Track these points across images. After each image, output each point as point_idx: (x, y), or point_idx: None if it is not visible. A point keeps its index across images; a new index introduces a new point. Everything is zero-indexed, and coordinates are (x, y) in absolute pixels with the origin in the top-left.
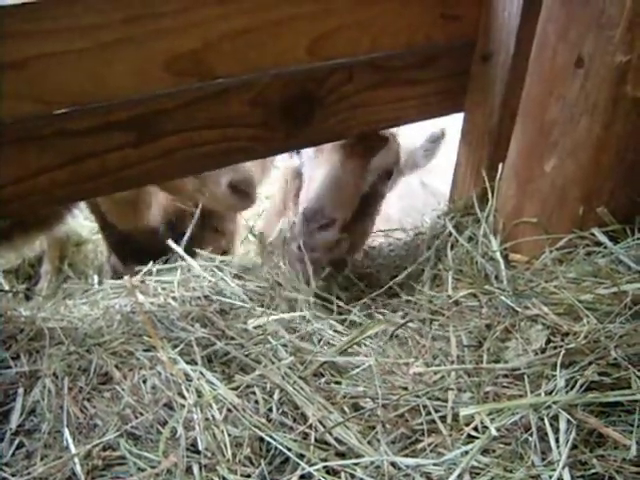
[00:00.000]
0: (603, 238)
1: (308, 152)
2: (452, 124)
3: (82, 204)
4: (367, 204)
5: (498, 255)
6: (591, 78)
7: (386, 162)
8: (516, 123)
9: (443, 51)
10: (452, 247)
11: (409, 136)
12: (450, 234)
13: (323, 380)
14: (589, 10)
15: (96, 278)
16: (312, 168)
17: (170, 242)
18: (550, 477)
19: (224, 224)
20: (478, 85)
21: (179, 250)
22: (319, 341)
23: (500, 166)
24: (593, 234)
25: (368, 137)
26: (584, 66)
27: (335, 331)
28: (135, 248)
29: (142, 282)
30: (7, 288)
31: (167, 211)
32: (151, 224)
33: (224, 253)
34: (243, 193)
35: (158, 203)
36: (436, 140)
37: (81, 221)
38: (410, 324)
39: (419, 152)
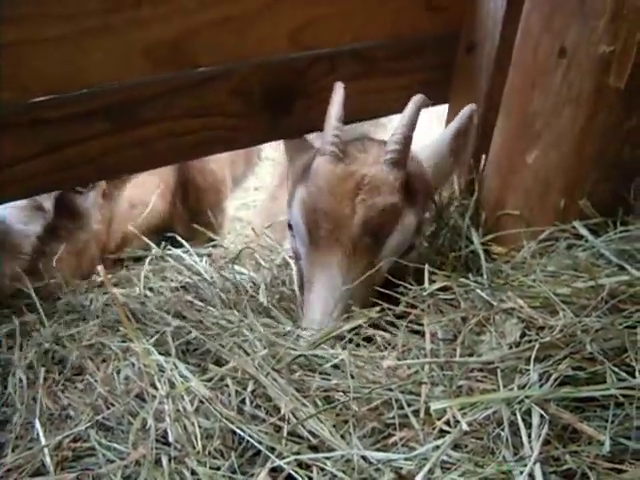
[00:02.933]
0: (584, 231)
1: (302, 238)
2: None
3: None
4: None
5: (479, 248)
6: (574, 68)
7: (403, 239)
8: (499, 114)
9: (428, 42)
10: (435, 239)
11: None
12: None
13: (297, 375)
14: (573, 0)
15: None
16: (309, 269)
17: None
18: (521, 473)
19: (213, 215)
20: (463, 76)
21: (145, 239)
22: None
23: (483, 158)
24: (575, 227)
25: (371, 226)
26: (567, 56)
27: None
28: None
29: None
30: None
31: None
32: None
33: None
34: None
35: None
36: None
37: None
38: (386, 317)
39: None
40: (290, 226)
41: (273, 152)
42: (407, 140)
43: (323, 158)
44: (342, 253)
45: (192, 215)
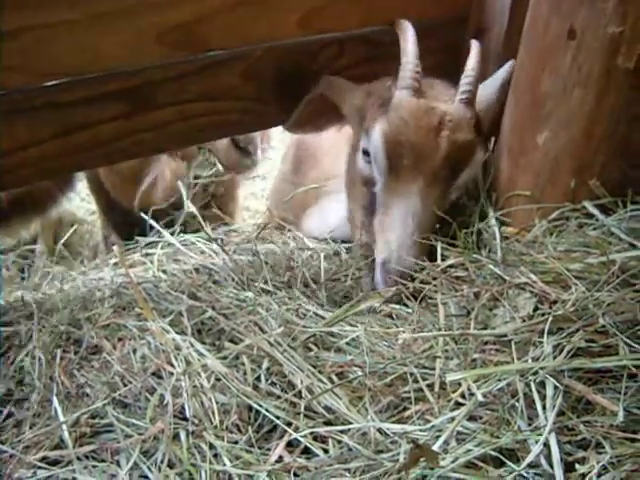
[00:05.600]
0: (594, 210)
1: (381, 167)
2: None
3: (80, 186)
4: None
5: (493, 227)
6: (584, 50)
7: (474, 173)
8: (508, 96)
9: (436, 26)
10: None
11: None
12: None
13: (312, 352)
14: None
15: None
16: (387, 195)
17: (144, 215)
18: (536, 442)
19: (225, 204)
20: None
21: (155, 225)
22: (304, 316)
23: (493, 140)
24: (585, 207)
25: (451, 159)
26: (576, 38)
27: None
28: (138, 227)
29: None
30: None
31: (172, 190)
32: (156, 202)
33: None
34: (244, 150)
35: (164, 180)
36: None
37: (77, 202)
38: (401, 294)
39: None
40: (366, 153)
41: (280, 140)
42: (477, 81)
43: (405, 92)
44: (423, 182)
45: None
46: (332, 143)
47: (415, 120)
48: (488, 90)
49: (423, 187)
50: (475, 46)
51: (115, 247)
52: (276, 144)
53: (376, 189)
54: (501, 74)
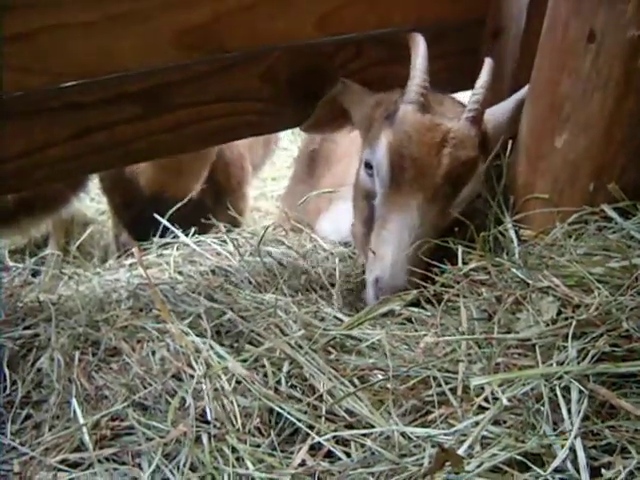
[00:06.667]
0: (613, 214)
1: (383, 179)
2: None
3: (90, 186)
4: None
5: (510, 231)
6: (603, 53)
7: (475, 190)
8: (526, 99)
9: (453, 27)
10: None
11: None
12: None
13: (333, 356)
14: None
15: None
16: (386, 209)
17: (157, 216)
18: (562, 447)
19: (235, 201)
20: None
21: (171, 226)
22: (323, 319)
23: (510, 142)
24: (603, 210)
25: (453, 176)
26: (596, 41)
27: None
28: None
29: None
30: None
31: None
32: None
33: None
34: None
35: (203, 176)
36: None
37: (87, 202)
38: (420, 298)
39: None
40: (368, 165)
41: (289, 142)
42: (485, 100)
43: (411, 107)
44: (423, 197)
45: (219, 190)
46: (345, 150)
47: (418, 135)
48: (501, 110)
49: (422, 202)
50: (487, 64)
51: (134, 249)
52: (287, 145)
53: (375, 202)
54: (517, 96)
